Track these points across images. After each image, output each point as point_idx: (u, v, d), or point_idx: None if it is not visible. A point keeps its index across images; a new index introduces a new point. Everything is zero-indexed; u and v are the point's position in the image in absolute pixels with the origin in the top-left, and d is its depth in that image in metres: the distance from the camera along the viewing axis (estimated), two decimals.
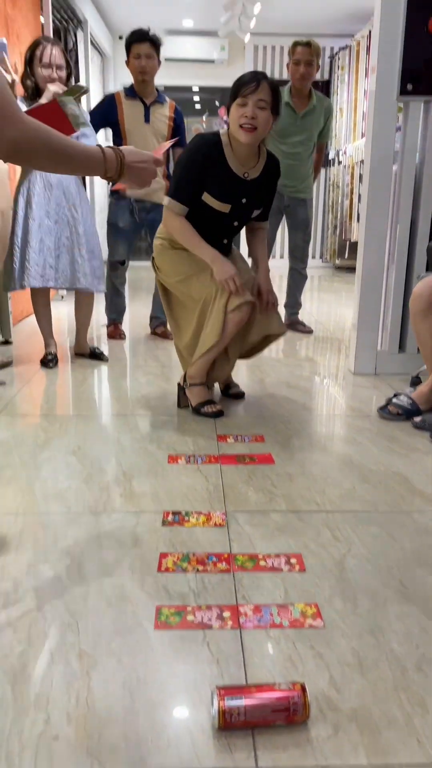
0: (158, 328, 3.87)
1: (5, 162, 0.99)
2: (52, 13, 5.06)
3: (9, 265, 3.01)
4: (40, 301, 3.19)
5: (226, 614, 1.30)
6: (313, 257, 7.77)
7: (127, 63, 3.41)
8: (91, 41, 6.52)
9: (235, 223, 2.40)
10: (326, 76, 7.42)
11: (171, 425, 2.41)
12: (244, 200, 2.33)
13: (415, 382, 2.83)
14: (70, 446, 2.17)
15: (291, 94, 3.64)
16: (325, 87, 7.46)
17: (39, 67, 2.85)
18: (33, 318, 4.08)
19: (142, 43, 3.33)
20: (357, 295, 3.07)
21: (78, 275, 3.04)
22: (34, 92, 2.89)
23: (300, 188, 3.85)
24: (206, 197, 2.29)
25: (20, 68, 3.16)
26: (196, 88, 7.98)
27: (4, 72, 2.98)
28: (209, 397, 2.54)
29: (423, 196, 2.93)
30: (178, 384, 2.63)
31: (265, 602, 1.34)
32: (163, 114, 3.48)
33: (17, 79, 3.04)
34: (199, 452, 2.14)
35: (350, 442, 2.27)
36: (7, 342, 3.63)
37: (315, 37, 7.18)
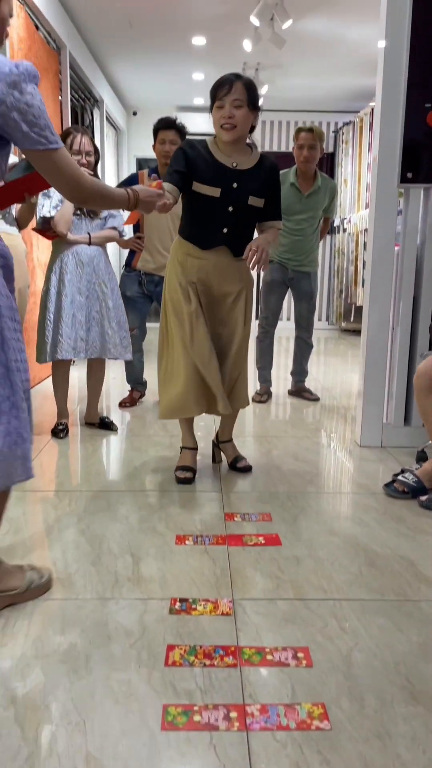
0: None
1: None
2: (71, 93, 5.37)
3: (41, 338, 3.16)
4: (61, 372, 3.30)
5: (233, 714, 1.30)
6: (320, 320, 7.91)
7: (154, 147, 3.64)
8: (107, 117, 6.87)
9: (230, 209, 2.44)
10: (331, 149, 7.74)
11: (179, 501, 2.43)
12: (234, 185, 2.42)
13: (421, 457, 2.86)
14: (79, 525, 2.19)
15: (296, 176, 3.81)
16: (330, 159, 7.77)
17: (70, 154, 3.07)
18: (43, 385, 4.16)
19: (168, 130, 3.57)
20: (362, 369, 3.14)
21: (108, 346, 3.24)
22: None
23: (304, 262, 3.99)
24: (197, 186, 2.42)
25: None
26: None
27: None
28: (188, 463, 2.69)
29: (425, 275, 3.03)
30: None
31: (272, 701, 1.34)
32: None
33: None
34: (207, 532, 2.16)
35: (357, 522, 2.29)
36: None
37: (320, 113, 7.61)
